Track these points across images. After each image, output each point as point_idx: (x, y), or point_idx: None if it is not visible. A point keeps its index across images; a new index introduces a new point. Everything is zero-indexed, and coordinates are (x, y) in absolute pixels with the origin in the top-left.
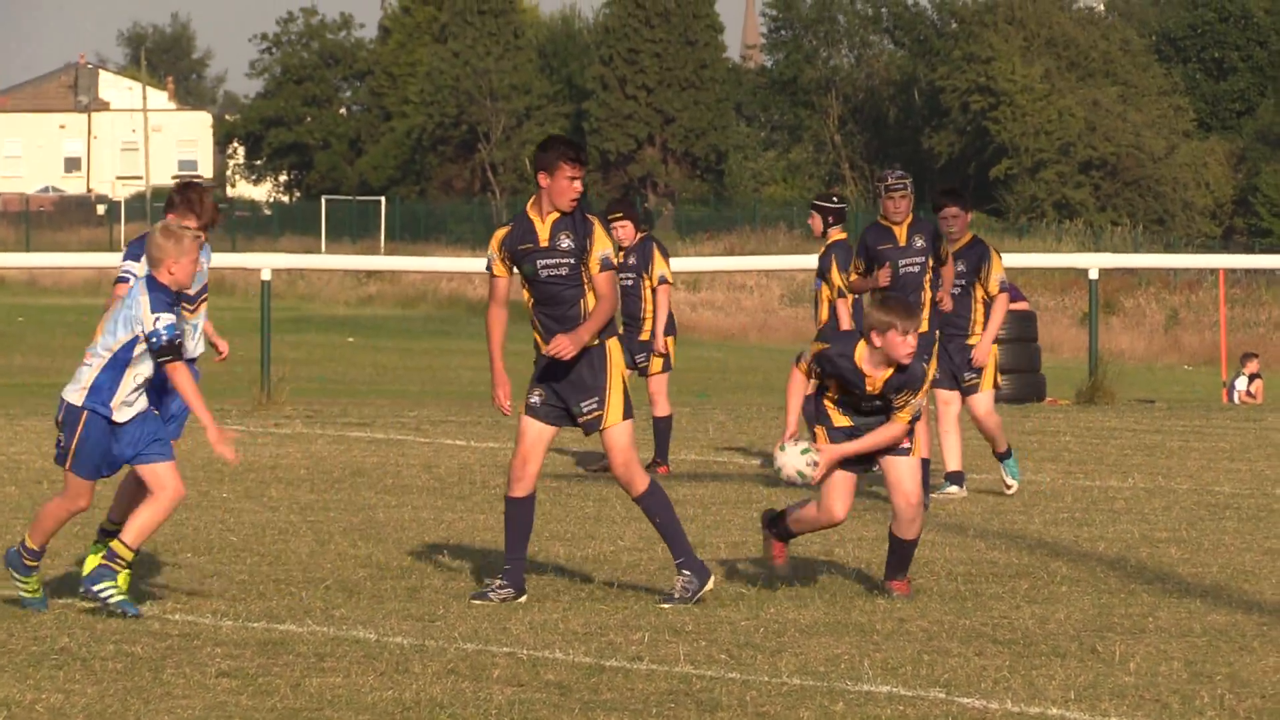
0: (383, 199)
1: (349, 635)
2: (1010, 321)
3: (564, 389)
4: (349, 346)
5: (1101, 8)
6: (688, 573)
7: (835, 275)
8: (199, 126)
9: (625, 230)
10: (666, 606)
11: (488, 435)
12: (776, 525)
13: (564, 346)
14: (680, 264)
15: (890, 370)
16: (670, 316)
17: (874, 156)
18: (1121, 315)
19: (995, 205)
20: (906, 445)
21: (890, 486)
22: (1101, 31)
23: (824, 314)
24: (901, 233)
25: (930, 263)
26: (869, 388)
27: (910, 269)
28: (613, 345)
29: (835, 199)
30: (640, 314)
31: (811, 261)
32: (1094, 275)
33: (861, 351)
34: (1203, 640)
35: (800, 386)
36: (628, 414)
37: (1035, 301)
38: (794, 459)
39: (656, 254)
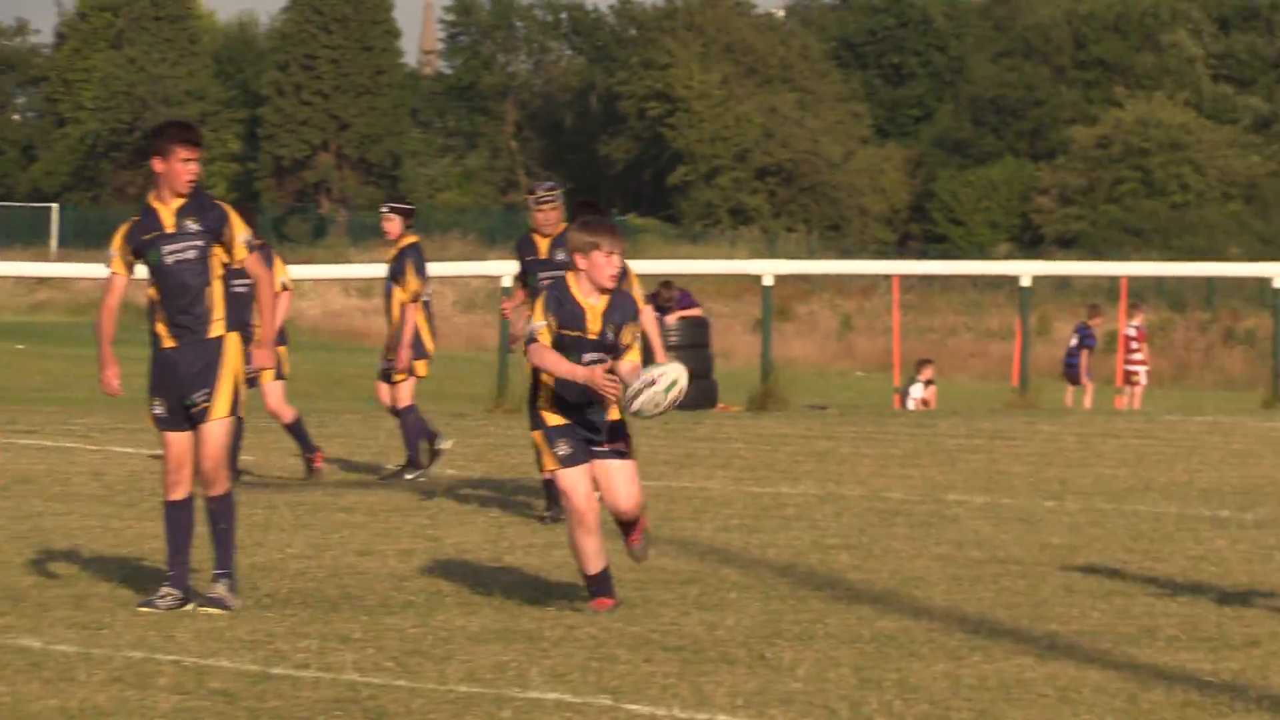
0: (55, 205)
1: (13, 644)
2: (683, 327)
3: (180, 384)
4: (18, 354)
5: (781, 14)
6: (224, 587)
7: (411, 278)
8: None
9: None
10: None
11: (157, 443)
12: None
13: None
14: (354, 270)
15: (605, 299)
16: (283, 327)
17: (550, 163)
18: (795, 321)
19: (671, 212)
20: (624, 449)
21: (603, 490)
22: (780, 38)
23: (396, 315)
24: (544, 245)
25: None
26: (590, 324)
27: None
28: (231, 339)
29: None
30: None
31: (486, 268)
32: (768, 281)
33: (572, 281)
34: (872, 646)
35: (547, 352)
36: (234, 411)
37: (709, 308)
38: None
39: (277, 260)
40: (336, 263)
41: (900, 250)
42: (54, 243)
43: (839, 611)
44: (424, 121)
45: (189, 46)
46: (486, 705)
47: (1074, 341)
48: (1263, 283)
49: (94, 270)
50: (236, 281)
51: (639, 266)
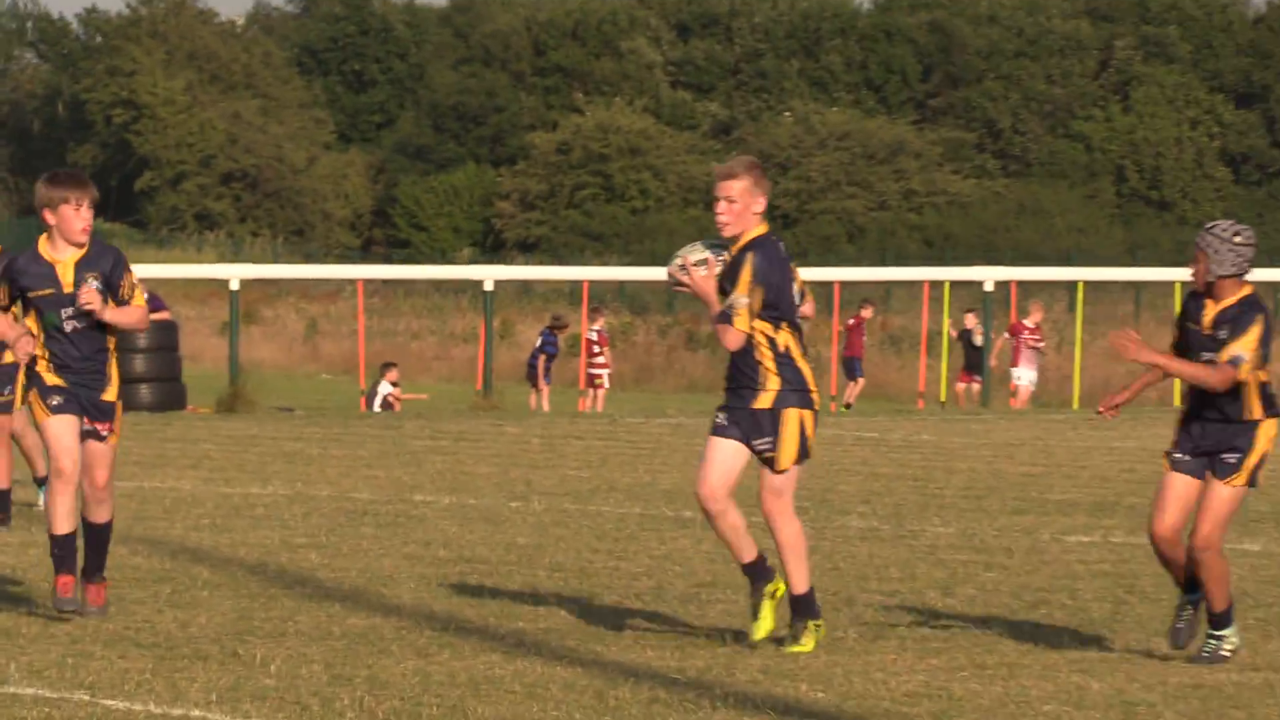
0: None
1: None
2: (152, 331)
3: None
4: None
5: (241, 22)
6: None
7: None
8: None
9: None
10: None
11: None
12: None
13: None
14: None
15: (77, 254)
16: None
17: (19, 168)
18: (262, 324)
19: (138, 217)
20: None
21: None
22: (243, 45)
23: None
24: None
25: None
26: (65, 282)
27: None
28: None
29: None
30: None
31: None
32: (235, 286)
33: (43, 242)
34: (342, 643)
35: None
36: None
37: (176, 311)
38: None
39: None
40: None
41: (364, 255)
42: None
43: (309, 609)
44: None
45: None
46: None
47: (537, 344)
48: None
49: None
50: None
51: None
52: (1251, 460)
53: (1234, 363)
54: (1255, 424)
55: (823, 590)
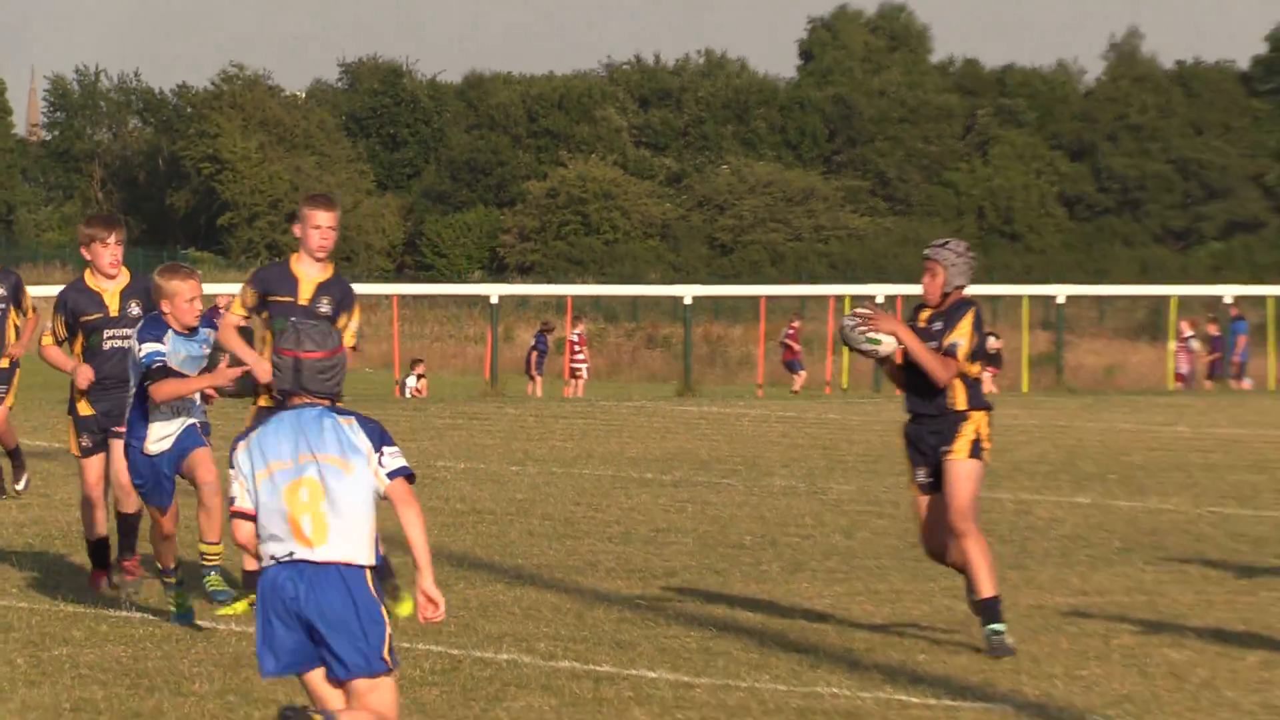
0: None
1: None
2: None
3: None
4: None
5: (302, 95)
6: None
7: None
8: None
9: None
10: None
11: None
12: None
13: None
14: None
15: (122, 283)
16: None
17: (128, 209)
18: None
19: (221, 247)
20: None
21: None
22: (303, 113)
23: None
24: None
25: None
26: (110, 308)
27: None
28: None
29: None
30: None
31: None
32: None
33: (87, 275)
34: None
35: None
36: None
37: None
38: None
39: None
40: None
41: (398, 276)
42: None
43: None
44: (31, 178)
45: None
46: None
47: (531, 344)
48: (675, 300)
49: None
50: None
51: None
52: (965, 439)
53: (951, 350)
54: (964, 414)
55: (752, 534)
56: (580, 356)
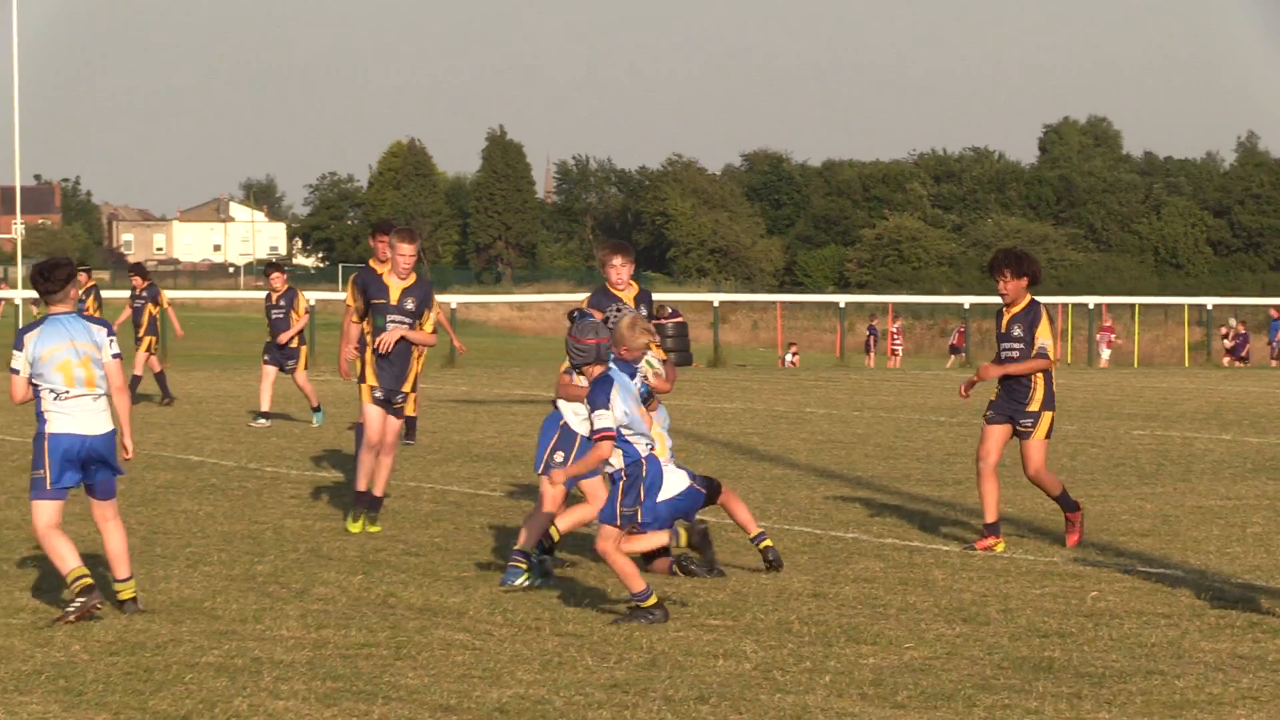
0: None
1: None
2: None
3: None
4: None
5: (719, 172)
6: None
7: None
8: (279, 230)
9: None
10: None
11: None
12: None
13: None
14: (519, 298)
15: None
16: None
17: (601, 243)
18: (729, 322)
19: (669, 270)
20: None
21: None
22: (719, 185)
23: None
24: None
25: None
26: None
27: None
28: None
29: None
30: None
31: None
32: (715, 302)
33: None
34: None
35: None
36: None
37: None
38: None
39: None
40: (508, 294)
41: (780, 289)
42: None
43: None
44: (547, 226)
45: (430, 187)
46: None
47: (867, 332)
48: (959, 305)
49: None
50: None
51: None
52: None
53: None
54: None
55: (1009, 457)
56: (898, 342)
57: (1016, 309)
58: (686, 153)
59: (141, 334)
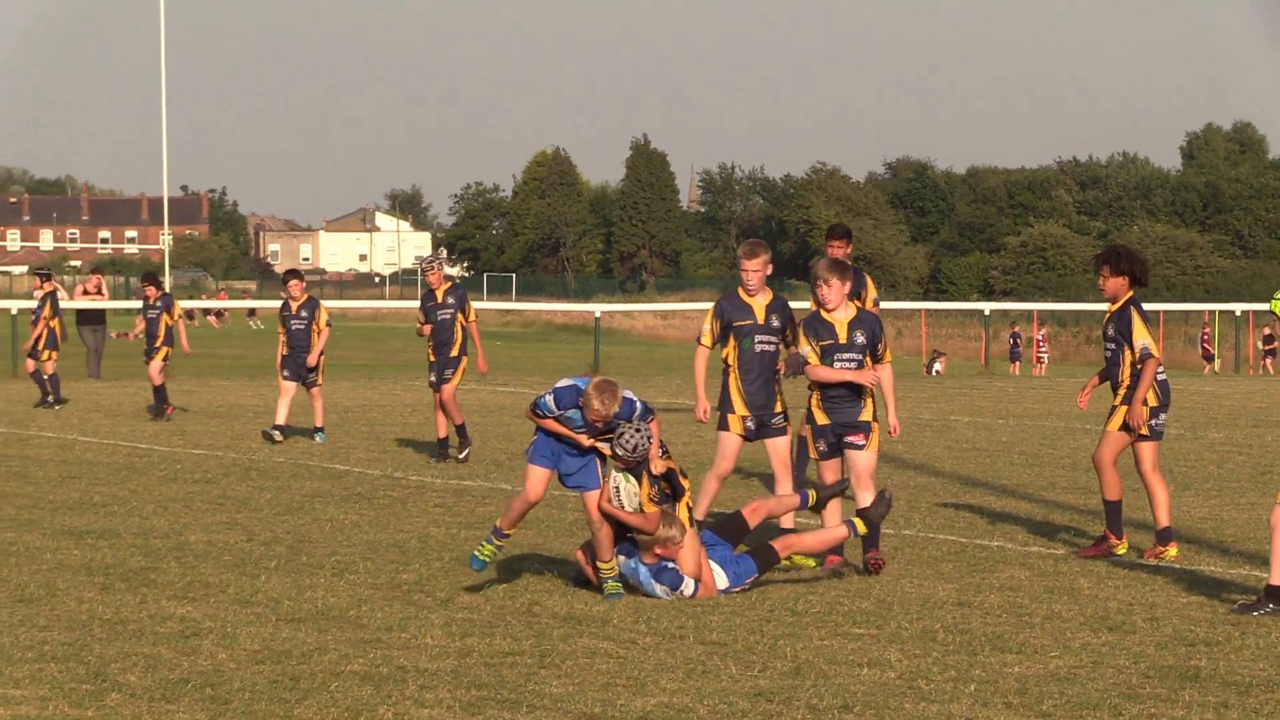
0: (514, 275)
1: None
2: None
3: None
4: (496, 346)
5: (862, 180)
6: None
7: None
8: (424, 238)
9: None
10: None
11: None
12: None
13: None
14: (662, 306)
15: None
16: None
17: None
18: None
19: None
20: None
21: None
22: (863, 193)
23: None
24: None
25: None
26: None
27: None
28: None
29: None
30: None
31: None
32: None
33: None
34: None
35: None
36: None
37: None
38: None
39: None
40: (651, 303)
41: (924, 297)
42: (513, 292)
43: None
44: (691, 234)
45: (575, 196)
46: None
47: (1010, 340)
48: (1103, 313)
49: (517, 305)
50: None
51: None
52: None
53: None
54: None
55: None
56: (1043, 349)
57: (1114, 308)
58: (830, 161)
59: (159, 344)
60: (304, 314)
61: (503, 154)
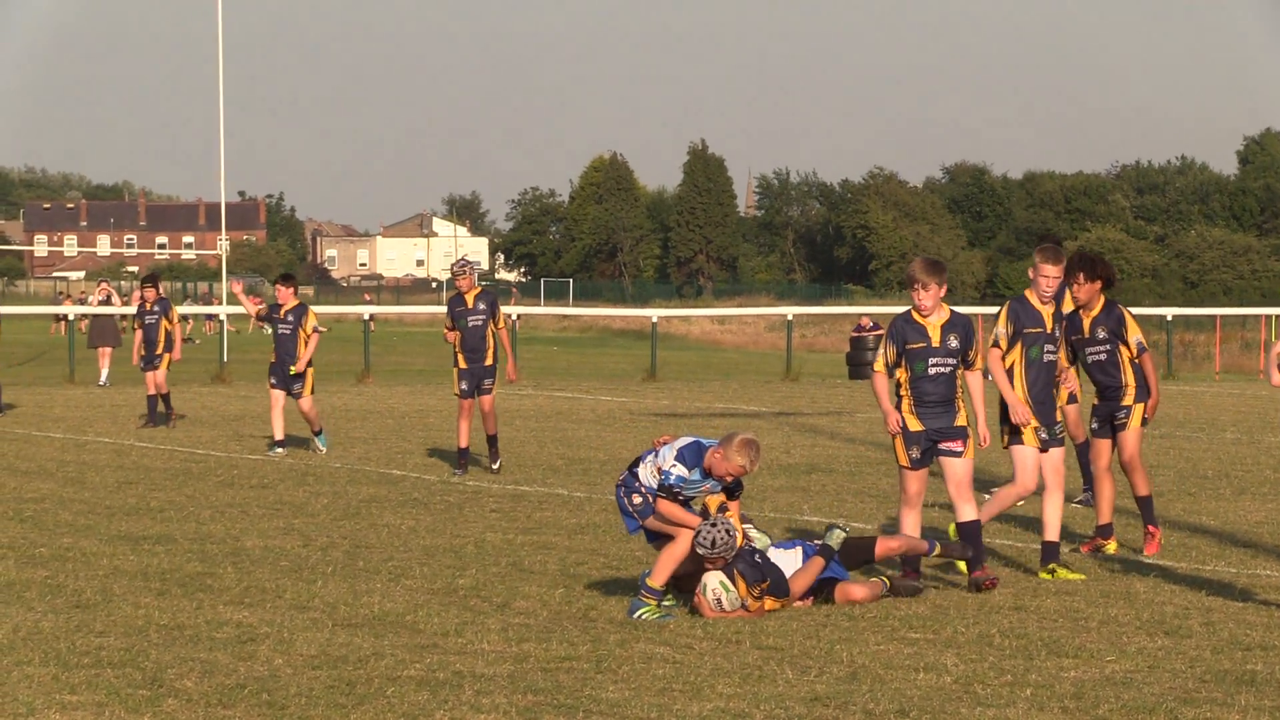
0: (570, 280)
1: None
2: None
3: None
4: (553, 351)
5: (920, 185)
6: None
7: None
8: (481, 244)
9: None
10: None
11: None
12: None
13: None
14: (720, 311)
15: (942, 319)
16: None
17: (809, 260)
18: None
19: (870, 283)
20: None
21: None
22: (920, 198)
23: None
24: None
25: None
26: (933, 340)
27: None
28: None
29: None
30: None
31: (779, 310)
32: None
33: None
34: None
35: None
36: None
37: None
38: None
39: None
40: (709, 308)
41: (982, 301)
42: (570, 297)
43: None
44: (748, 239)
45: (632, 201)
46: None
47: None
48: (1161, 317)
49: (574, 311)
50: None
51: None
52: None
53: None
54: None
55: (1213, 469)
56: None
57: (1095, 312)
58: (888, 165)
59: (159, 351)
60: (290, 319)
61: (560, 159)
